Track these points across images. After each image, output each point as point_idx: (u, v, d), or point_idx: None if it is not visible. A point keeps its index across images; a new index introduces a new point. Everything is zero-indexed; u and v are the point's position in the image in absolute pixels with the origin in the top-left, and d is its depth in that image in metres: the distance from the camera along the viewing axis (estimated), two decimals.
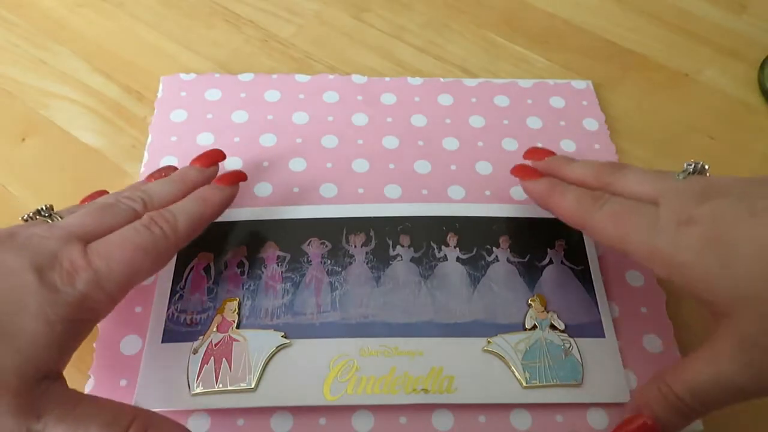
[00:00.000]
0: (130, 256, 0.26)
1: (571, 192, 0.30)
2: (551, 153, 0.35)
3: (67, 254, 0.25)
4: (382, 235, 0.34)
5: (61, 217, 0.28)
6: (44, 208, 0.28)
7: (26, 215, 0.28)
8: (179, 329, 0.31)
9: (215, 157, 0.34)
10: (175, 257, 0.33)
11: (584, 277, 0.33)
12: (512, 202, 0.37)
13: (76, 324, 0.25)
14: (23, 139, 0.39)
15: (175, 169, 0.34)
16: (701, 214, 0.25)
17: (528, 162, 0.35)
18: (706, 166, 0.29)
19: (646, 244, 0.26)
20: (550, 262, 0.34)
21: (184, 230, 0.29)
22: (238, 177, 0.33)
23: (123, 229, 0.27)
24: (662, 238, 0.26)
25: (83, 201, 0.32)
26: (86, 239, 0.26)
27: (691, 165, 0.29)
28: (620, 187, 0.29)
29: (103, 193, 0.32)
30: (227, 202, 0.32)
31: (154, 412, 0.25)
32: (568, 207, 0.30)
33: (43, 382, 0.23)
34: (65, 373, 0.29)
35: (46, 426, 0.22)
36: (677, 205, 0.26)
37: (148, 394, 0.29)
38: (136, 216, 0.29)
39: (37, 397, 0.23)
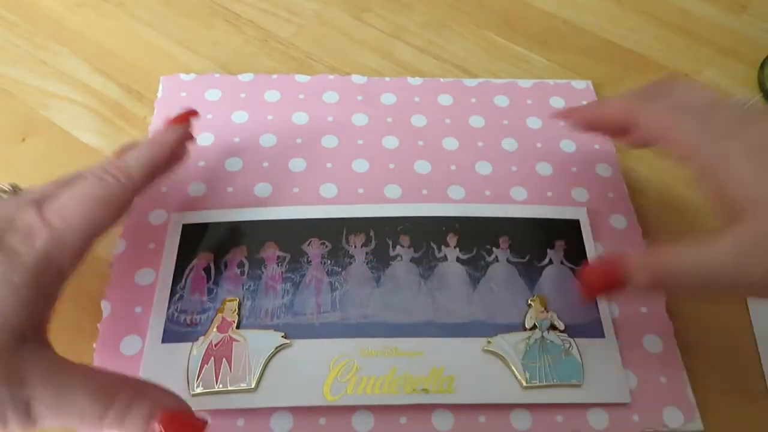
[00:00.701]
0: (86, 208, 0.26)
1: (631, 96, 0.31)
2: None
3: (23, 217, 0.25)
4: (382, 235, 0.34)
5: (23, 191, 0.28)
6: (8, 187, 0.29)
7: None
8: (179, 329, 0.31)
9: (187, 115, 0.33)
10: (175, 258, 0.33)
11: None
12: (512, 202, 0.37)
13: (41, 285, 0.24)
14: (23, 139, 0.39)
15: None
16: (749, 130, 0.26)
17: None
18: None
19: (693, 131, 0.27)
20: (550, 262, 0.34)
21: (138, 174, 0.29)
22: (187, 114, 0.33)
23: (75, 185, 0.27)
24: (710, 130, 0.26)
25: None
26: (43, 203, 0.26)
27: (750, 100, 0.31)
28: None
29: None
30: (180, 141, 0.32)
31: (144, 381, 0.25)
32: (621, 104, 0.31)
33: (23, 348, 0.23)
34: None
35: (33, 391, 0.22)
36: (727, 117, 0.27)
37: None
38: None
39: (17, 362, 0.22)
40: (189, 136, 0.33)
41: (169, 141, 0.31)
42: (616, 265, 0.26)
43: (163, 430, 0.23)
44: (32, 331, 0.24)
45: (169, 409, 0.24)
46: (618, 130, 0.31)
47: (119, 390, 0.24)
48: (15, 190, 0.28)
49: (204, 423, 0.25)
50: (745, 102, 0.29)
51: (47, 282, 0.25)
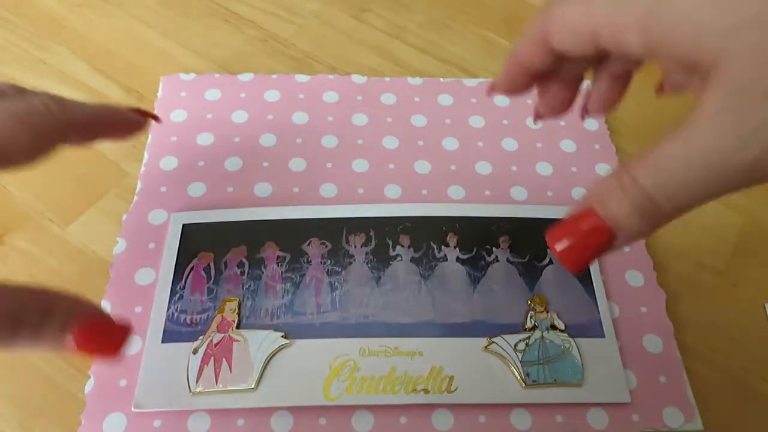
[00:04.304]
0: (7, 124, 0.24)
1: None
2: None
3: None
4: (382, 235, 0.34)
5: None
6: None
7: None
8: (179, 329, 0.31)
9: (150, 115, 0.31)
10: (175, 258, 0.33)
11: (584, 278, 0.33)
12: (512, 202, 0.37)
13: None
14: None
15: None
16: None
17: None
18: None
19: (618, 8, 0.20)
20: (550, 262, 0.34)
21: (73, 111, 0.27)
22: (150, 115, 0.31)
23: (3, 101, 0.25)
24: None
25: None
26: None
27: None
28: None
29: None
30: (129, 120, 0.30)
31: (56, 291, 0.22)
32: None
33: None
34: (64, 373, 0.29)
35: None
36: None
37: (148, 395, 0.29)
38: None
39: None
40: (139, 128, 0.30)
41: (122, 113, 0.29)
42: (593, 216, 0.20)
43: (77, 342, 0.21)
44: None
45: (84, 318, 0.22)
46: (547, 71, 0.25)
47: (28, 305, 0.21)
48: None
49: (126, 329, 0.23)
50: None
51: None
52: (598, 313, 0.32)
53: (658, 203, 0.19)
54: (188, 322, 0.31)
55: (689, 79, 0.23)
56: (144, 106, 0.41)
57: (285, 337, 0.30)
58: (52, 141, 0.26)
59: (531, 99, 0.42)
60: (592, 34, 0.21)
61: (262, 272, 0.33)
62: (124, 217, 0.35)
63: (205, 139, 0.39)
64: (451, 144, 0.39)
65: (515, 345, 0.31)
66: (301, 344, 0.30)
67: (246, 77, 0.42)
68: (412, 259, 0.33)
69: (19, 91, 0.27)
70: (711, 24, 0.18)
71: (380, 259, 0.33)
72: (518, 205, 0.36)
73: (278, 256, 0.33)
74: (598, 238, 0.20)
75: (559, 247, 0.21)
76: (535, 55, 0.25)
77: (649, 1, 0.19)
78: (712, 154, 0.18)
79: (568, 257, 0.20)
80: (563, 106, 0.28)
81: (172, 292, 0.32)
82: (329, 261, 0.33)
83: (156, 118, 0.32)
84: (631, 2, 0.20)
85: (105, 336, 0.22)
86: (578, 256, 0.20)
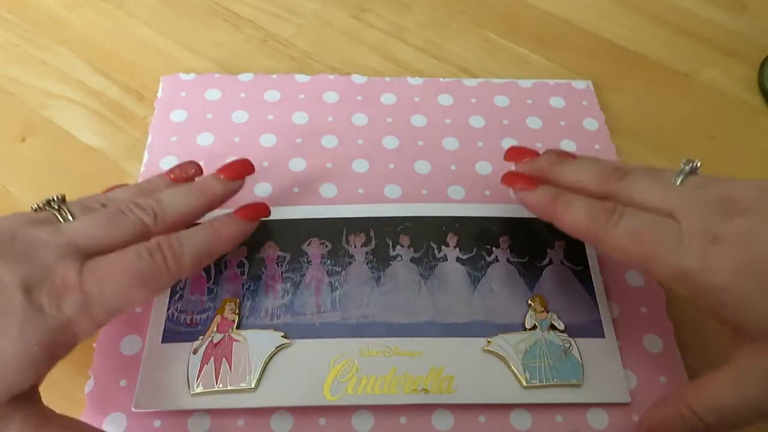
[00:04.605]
0: (127, 285, 0.25)
1: (578, 203, 0.28)
2: (535, 153, 0.32)
3: (61, 271, 0.24)
4: (382, 235, 0.34)
5: (71, 213, 0.27)
6: (55, 199, 0.27)
7: (36, 205, 0.27)
8: (179, 329, 0.31)
9: (243, 169, 0.32)
10: None
11: (584, 278, 0.33)
12: (512, 203, 0.36)
13: (54, 347, 0.24)
14: (23, 139, 0.39)
15: (198, 167, 0.32)
16: (730, 233, 0.24)
17: (512, 166, 0.33)
18: (699, 165, 0.28)
19: (672, 265, 0.25)
20: (550, 262, 0.34)
21: (189, 264, 0.27)
22: (260, 211, 0.31)
23: (126, 251, 0.26)
24: (690, 257, 0.24)
25: (167, 174, 0.31)
26: (88, 252, 0.25)
27: (687, 165, 0.28)
28: (627, 198, 0.28)
29: (193, 164, 0.32)
30: (241, 238, 0.30)
31: None
32: (577, 221, 0.28)
33: (12, 402, 0.23)
34: (64, 373, 0.29)
35: None
36: (699, 220, 0.25)
37: (148, 395, 0.29)
38: (145, 229, 0.27)
39: (2, 415, 0.22)
40: (249, 233, 0.31)
41: (234, 239, 0.29)
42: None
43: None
44: (29, 387, 0.24)
45: None
46: None
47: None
48: (60, 206, 0.27)
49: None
50: (681, 170, 0.28)
51: (60, 345, 0.24)
52: (598, 313, 0.32)
53: (714, 427, 0.25)
54: (188, 322, 0.31)
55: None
56: (144, 106, 0.41)
57: (285, 337, 0.30)
58: (165, 290, 0.28)
59: (531, 99, 0.42)
60: (645, 267, 0.26)
61: (262, 272, 0.33)
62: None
63: (205, 139, 0.39)
64: (451, 144, 0.39)
65: (515, 345, 0.31)
66: (301, 344, 0.30)
67: (246, 77, 0.42)
68: (412, 259, 0.33)
69: (124, 214, 0.27)
70: (762, 308, 0.23)
71: (380, 259, 0.33)
72: (518, 205, 0.36)
73: (278, 256, 0.33)
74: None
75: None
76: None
77: (705, 267, 0.24)
78: (760, 406, 0.24)
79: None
80: None
81: (172, 292, 0.32)
82: (329, 261, 0.33)
83: (266, 212, 0.32)
84: (689, 259, 0.24)
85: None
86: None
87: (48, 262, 0.24)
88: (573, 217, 0.28)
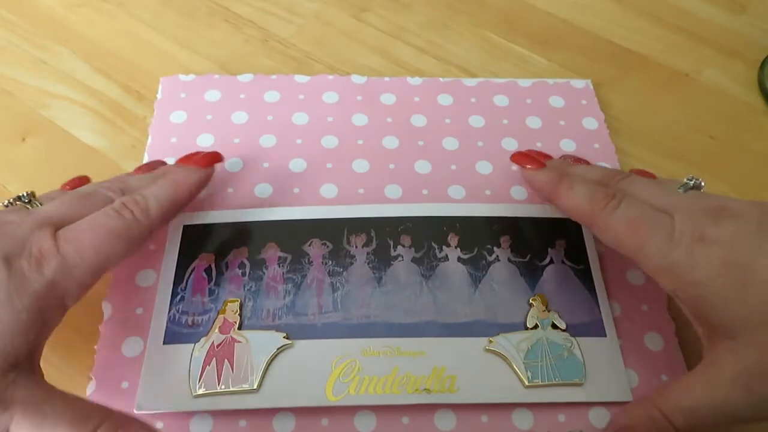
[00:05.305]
0: (101, 241, 0.26)
1: (581, 185, 0.29)
2: (547, 156, 0.33)
3: (37, 241, 0.25)
4: (383, 235, 0.34)
5: (40, 204, 0.28)
6: (25, 195, 0.28)
7: (6, 201, 0.28)
8: (181, 331, 0.31)
9: (208, 159, 0.33)
10: (176, 259, 0.33)
11: (585, 277, 0.33)
12: (513, 202, 0.37)
13: (43, 311, 0.24)
14: (23, 139, 0.39)
15: (163, 163, 0.34)
16: (719, 234, 0.25)
17: (514, 166, 0.35)
18: (702, 183, 0.29)
19: (661, 255, 0.26)
20: (551, 261, 0.34)
21: (156, 213, 0.29)
22: (213, 158, 0.33)
23: (93, 215, 0.27)
24: (678, 252, 0.25)
25: (63, 187, 0.32)
26: (59, 225, 0.26)
27: (691, 180, 0.29)
28: (628, 193, 0.29)
29: (85, 179, 0.32)
30: (202, 185, 0.32)
31: (127, 415, 0.24)
32: (577, 202, 0.29)
33: (12, 373, 0.23)
34: (66, 375, 0.29)
35: (12, 419, 0.22)
36: (690, 220, 0.26)
37: (150, 396, 0.29)
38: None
39: (4, 387, 0.22)
40: (208, 179, 0.33)
41: (190, 183, 0.31)
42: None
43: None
44: (25, 357, 0.24)
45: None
46: None
47: (100, 421, 0.23)
48: (31, 199, 0.28)
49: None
50: (685, 184, 0.29)
51: (49, 310, 0.25)
52: (600, 312, 0.32)
53: (682, 430, 0.25)
54: (190, 323, 0.31)
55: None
56: (144, 107, 0.41)
57: (287, 337, 0.30)
58: (141, 244, 0.29)
59: (530, 99, 0.42)
60: (635, 255, 0.27)
61: (264, 273, 0.33)
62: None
63: (205, 140, 0.39)
64: (451, 144, 0.39)
65: (517, 344, 0.31)
66: (302, 345, 0.30)
67: (246, 78, 0.42)
68: (414, 259, 0.33)
69: (91, 194, 0.29)
70: (739, 306, 0.24)
71: (381, 260, 0.33)
72: (519, 205, 0.36)
73: (279, 257, 0.33)
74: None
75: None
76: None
77: (690, 263, 0.25)
78: (730, 408, 0.24)
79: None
80: None
81: (174, 294, 0.32)
82: (330, 261, 0.33)
83: (218, 158, 0.34)
84: (677, 253, 0.25)
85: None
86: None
87: (22, 235, 0.25)
88: (574, 198, 0.29)
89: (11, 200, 0.28)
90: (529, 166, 0.32)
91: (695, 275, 0.25)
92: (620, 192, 0.28)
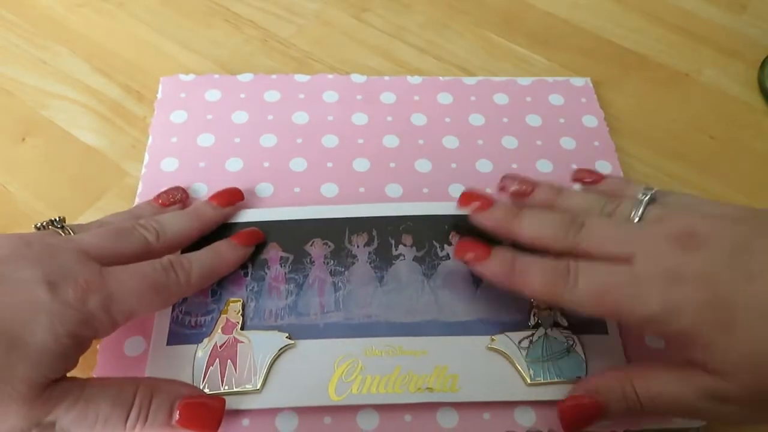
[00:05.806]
0: (144, 291, 0.27)
1: (533, 270, 0.27)
2: (485, 198, 0.31)
3: (84, 272, 0.26)
4: (385, 234, 0.34)
5: (72, 232, 0.29)
6: (57, 220, 0.30)
7: (39, 224, 0.29)
8: (183, 331, 0.31)
9: (233, 196, 0.34)
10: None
11: None
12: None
13: (79, 339, 0.25)
14: (23, 139, 0.39)
15: (184, 192, 0.35)
16: (689, 271, 0.24)
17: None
18: (656, 193, 0.28)
19: (637, 315, 0.25)
20: None
21: (196, 281, 0.29)
22: (255, 237, 0.33)
23: (143, 264, 0.28)
24: (652, 304, 0.25)
25: (156, 200, 0.34)
26: (100, 260, 0.27)
27: (645, 195, 0.28)
28: (585, 247, 0.27)
29: (179, 189, 0.34)
30: (240, 262, 0.32)
31: (154, 378, 0.26)
32: (534, 289, 0.27)
33: (50, 386, 0.24)
34: (68, 374, 0.29)
35: (57, 417, 0.23)
36: (659, 261, 0.25)
37: None
38: (148, 246, 0.29)
39: (45, 399, 0.23)
40: (246, 257, 0.33)
41: (235, 262, 0.32)
42: (595, 400, 0.27)
43: (184, 418, 0.25)
44: (60, 376, 0.25)
45: (187, 397, 0.26)
46: None
47: (135, 390, 0.25)
48: (63, 225, 0.29)
49: (222, 402, 0.27)
50: (639, 199, 0.28)
51: (83, 339, 0.25)
52: None
53: (645, 411, 0.26)
54: (192, 324, 0.31)
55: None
56: (144, 106, 0.41)
57: (289, 337, 0.30)
58: (173, 303, 0.31)
59: (530, 97, 0.42)
60: (611, 319, 0.30)
61: (266, 273, 0.33)
62: None
63: (205, 140, 0.39)
64: (451, 142, 0.39)
65: (519, 343, 0.31)
66: (305, 345, 0.30)
67: (246, 77, 0.42)
68: (415, 258, 0.33)
69: (128, 231, 0.30)
70: (724, 349, 0.24)
71: (383, 259, 0.33)
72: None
73: (281, 257, 0.33)
74: (594, 413, 0.27)
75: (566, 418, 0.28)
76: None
77: (667, 312, 0.25)
78: (694, 414, 0.26)
79: (569, 426, 0.28)
80: None
81: None
82: (332, 261, 0.33)
83: (260, 238, 0.34)
84: (651, 306, 0.25)
85: (206, 410, 0.27)
86: (572, 423, 0.28)
87: (66, 263, 0.26)
88: (530, 286, 0.28)
89: (44, 223, 0.29)
90: (472, 257, 0.29)
91: (677, 325, 0.24)
92: (573, 262, 0.27)
